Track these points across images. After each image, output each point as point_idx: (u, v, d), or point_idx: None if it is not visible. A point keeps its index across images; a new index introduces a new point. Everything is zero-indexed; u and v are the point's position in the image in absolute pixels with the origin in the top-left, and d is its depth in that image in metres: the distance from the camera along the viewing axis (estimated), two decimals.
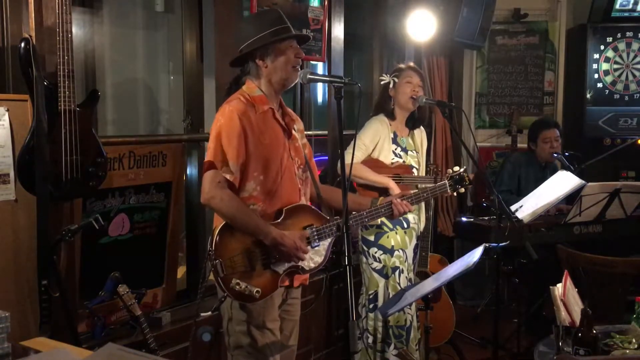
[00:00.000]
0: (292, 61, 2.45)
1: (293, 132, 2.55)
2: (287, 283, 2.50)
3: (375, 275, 3.49)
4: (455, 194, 2.98)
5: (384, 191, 3.36)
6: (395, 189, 3.33)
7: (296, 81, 2.49)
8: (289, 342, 2.61)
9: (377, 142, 3.46)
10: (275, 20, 2.45)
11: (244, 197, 2.40)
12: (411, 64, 3.67)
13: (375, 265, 3.49)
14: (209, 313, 3.07)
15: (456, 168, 2.97)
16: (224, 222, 2.35)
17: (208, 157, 2.35)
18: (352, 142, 3.20)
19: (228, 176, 2.32)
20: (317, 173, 2.75)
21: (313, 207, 2.56)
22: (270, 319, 2.45)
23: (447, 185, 2.91)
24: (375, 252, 3.48)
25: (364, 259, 3.53)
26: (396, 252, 3.47)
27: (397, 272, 3.47)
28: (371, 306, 3.52)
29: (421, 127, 3.69)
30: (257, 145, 2.39)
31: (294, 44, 2.48)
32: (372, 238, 3.48)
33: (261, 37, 2.40)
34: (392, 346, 3.51)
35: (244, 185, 2.39)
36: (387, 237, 3.47)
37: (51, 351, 1.62)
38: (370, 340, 3.54)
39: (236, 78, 2.54)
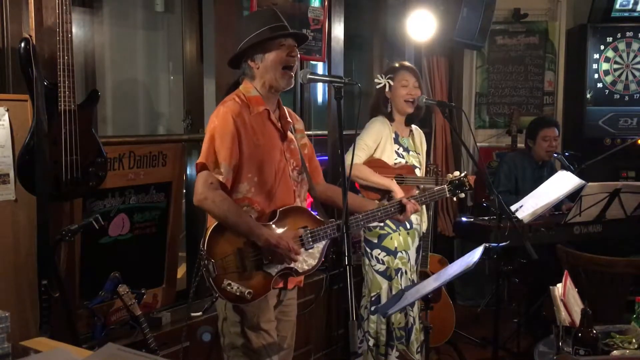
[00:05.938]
0: (284, 60, 2.39)
1: (289, 133, 2.51)
2: (280, 285, 2.47)
3: (378, 277, 3.47)
4: (455, 198, 2.95)
5: (386, 193, 3.35)
6: (398, 191, 3.29)
7: (290, 86, 2.43)
8: (286, 343, 2.59)
9: (379, 142, 3.44)
10: (269, 18, 2.41)
11: (237, 198, 2.38)
12: (405, 62, 3.62)
13: (379, 267, 3.46)
14: (200, 313, 3.09)
15: (456, 173, 2.92)
16: (217, 222, 2.33)
17: (201, 158, 2.33)
18: (353, 144, 3.22)
19: (220, 177, 2.30)
20: (320, 172, 2.71)
21: (308, 209, 2.54)
22: (264, 320, 2.43)
23: (446, 190, 2.87)
24: (379, 254, 3.46)
25: (367, 261, 3.50)
26: (399, 254, 3.45)
27: (399, 274, 3.45)
28: (373, 308, 3.49)
29: (419, 129, 3.67)
30: (251, 147, 2.36)
31: (288, 42, 2.41)
32: (375, 240, 3.46)
33: (254, 36, 2.36)
34: (394, 349, 3.49)
35: (237, 187, 2.38)
36: (391, 238, 3.44)
37: (51, 351, 1.62)
38: (371, 343, 3.51)
39: (236, 80, 2.52)
